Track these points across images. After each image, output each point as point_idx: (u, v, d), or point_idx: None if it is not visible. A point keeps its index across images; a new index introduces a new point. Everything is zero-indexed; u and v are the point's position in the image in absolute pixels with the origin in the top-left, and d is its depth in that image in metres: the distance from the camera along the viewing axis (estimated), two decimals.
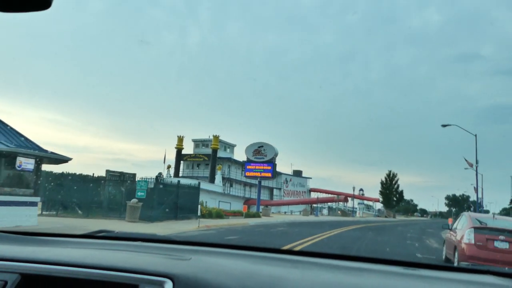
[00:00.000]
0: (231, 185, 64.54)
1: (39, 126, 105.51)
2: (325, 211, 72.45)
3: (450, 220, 41.14)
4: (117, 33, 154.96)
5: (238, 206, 61.84)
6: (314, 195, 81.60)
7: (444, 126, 39.34)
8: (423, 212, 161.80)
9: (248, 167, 44.69)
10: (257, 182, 73.15)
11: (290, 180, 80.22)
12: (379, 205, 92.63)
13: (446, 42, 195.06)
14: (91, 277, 1.01)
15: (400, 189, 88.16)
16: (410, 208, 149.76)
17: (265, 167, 44.09)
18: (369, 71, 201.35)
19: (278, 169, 77.48)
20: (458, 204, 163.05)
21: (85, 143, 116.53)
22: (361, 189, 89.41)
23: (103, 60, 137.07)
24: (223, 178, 62.36)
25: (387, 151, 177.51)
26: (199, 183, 25.52)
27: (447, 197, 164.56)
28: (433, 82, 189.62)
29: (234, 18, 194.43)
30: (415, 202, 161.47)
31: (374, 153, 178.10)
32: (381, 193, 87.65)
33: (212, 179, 60.58)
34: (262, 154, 42.63)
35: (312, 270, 1.19)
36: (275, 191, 75.83)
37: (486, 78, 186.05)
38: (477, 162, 38.12)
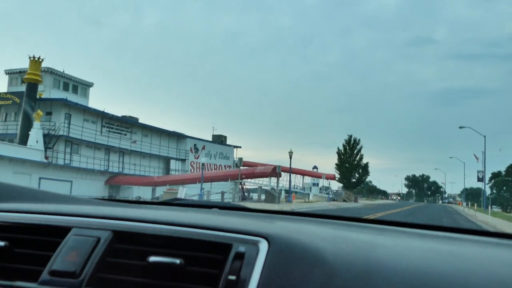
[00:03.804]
0: (72, 150, 36.15)
1: None
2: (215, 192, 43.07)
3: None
4: (67, 12, 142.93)
5: (88, 189, 34.13)
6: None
7: None
8: (384, 193, 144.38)
9: None
10: (130, 146, 42.67)
11: (203, 148, 52.91)
12: (335, 186, 67.00)
13: (402, 26, 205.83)
14: (181, 235, 0.97)
15: (364, 161, 62.58)
16: (374, 189, 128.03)
17: None
18: (327, 54, 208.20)
19: (180, 130, 52.68)
20: (418, 185, 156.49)
21: None
22: (315, 167, 63.93)
23: (52, 40, 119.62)
24: (51, 136, 33.78)
25: (345, 133, 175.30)
26: None
27: (407, 178, 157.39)
28: (389, 65, 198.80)
29: None
30: (374, 183, 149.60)
31: (332, 135, 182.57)
32: (338, 167, 61.75)
33: (23, 138, 32.07)
34: None
35: (401, 238, 1.14)
36: (174, 163, 48.28)
37: (439, 62, 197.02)
38: None
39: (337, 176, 61.75)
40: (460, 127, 51.53)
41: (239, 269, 0.86)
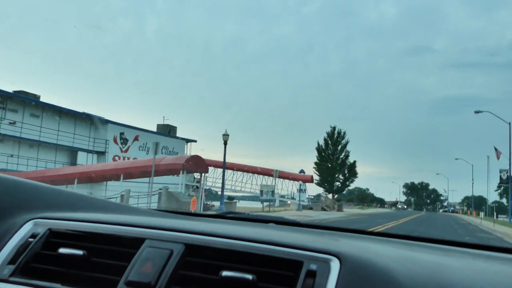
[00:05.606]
0: None
1: None
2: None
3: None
4: (68, 17, 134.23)
5: None
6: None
7: None
8: (381, 202, 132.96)
9: None
10: (39, 137, 30.96)
11: (136, 139, 39.90)
12: (315, 190, 53.84)
13: (401, 35, 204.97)
14: (252, 251, 0.97)
15: (351, 159, 49.30)
16: (366, 196, 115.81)
17: None
18: (328, 63, 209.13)
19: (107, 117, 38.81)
20: (417, 192, 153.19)
21: None
22: (302, 170, 51.18)
23: (51, 45, 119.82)
24: None
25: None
26: None
27: (406, 185, 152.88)
28: (389, 75, 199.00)
29: (192, 6, 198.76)
30: (371, 191, 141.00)
31: None
32: (317, 165, 48.59)
33: None
34: None
35: (467, 259, 1.10)
36: (84, 156, 35.09)
37: (439, 71, 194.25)
38: None
39: (317, 177, 48.53)
40: (476, 112, 39.20)
41: (312, 287, 0.85)
